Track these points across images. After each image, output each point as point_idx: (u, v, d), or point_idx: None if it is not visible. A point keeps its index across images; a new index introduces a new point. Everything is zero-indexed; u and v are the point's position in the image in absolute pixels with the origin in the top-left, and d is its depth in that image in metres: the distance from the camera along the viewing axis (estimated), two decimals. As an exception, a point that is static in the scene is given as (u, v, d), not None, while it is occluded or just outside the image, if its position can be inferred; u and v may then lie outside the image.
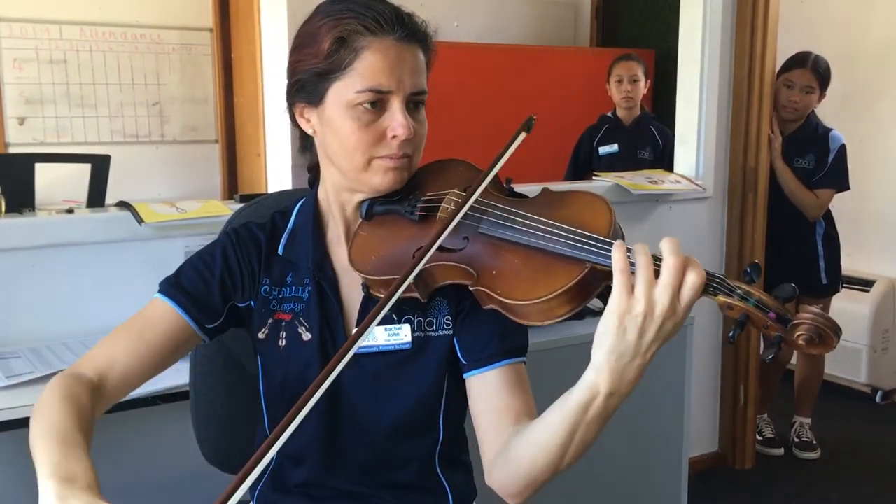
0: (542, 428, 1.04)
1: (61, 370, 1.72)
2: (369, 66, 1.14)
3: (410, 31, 1.17)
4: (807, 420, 3.63)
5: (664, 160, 3.58)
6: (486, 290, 1.07)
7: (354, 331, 1.06)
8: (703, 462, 3.40)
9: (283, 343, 1.25)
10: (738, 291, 0.94)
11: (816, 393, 3.65)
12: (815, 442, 3.58)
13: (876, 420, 4.05)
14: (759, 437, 3.60)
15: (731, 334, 0.96)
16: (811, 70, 3.27)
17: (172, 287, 1.23)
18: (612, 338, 0.94)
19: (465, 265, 1.11)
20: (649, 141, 3.89)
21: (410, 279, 1.06)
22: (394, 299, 1.04)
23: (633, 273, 0.94)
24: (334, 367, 0.99)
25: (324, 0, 1.21)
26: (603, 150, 3.97)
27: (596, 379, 0.97)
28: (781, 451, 3.60)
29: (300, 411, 0.97)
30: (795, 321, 0.93)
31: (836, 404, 4.13)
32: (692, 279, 0.93)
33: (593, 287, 1.02)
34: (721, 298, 0.95)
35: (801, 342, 0.93)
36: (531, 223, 1.08)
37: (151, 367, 1.21)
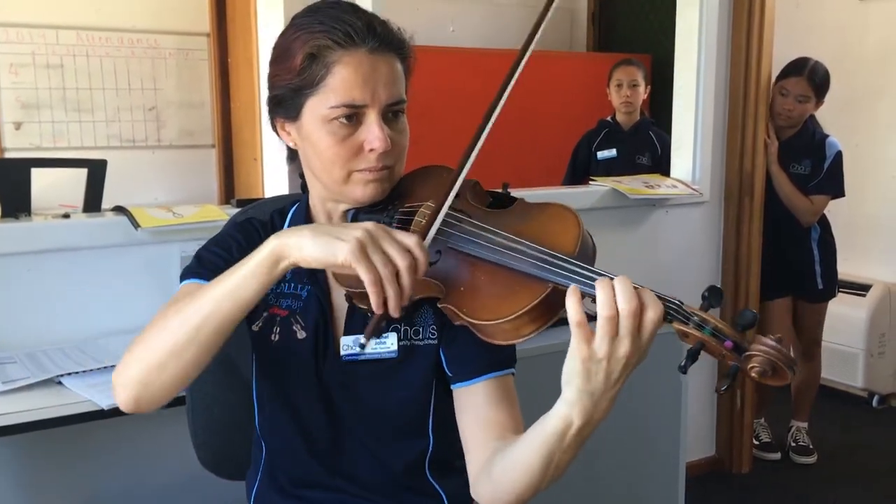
0: (522, 449, 1.05)
1: (58, 376, 1.74)
2: (341, 81, 1.13)
3: (383, 41, 1.16)
4: (804, 424, 3.63)
5: (662, 166, 3.58)
6: (453, 307, 1.07)
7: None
8: (700, 466, 3.40)
9: (275, 338, 1.25)
10: (695, 318, 0.93)
11: (813, 397, 3.65)
12: (811, 446, 3.58)
13: (872, 424, 4.05)
14: (756, 442, 3.60)
15: (681, 364, 0.94)
16: (807, 79, 3.26)
17: (199, 269, 1.21)
18: (580, 380, 0.94)
19: (437, 280, 1.10)
20: (648, 147, 3.89)
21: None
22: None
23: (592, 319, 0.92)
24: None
25: (299, 11, 1.20)
26: (601, 154, 3.96)
27: (569, 412, 0.97)
28: (778, 455, 3.60)
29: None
30: (750, 352, 0.91)
31: (833, 408, 4.13)
32: (650, 316, 0.92)
33: (557, 306, 1.00)
34: (677, 326, 0.93)
35: (753, 374, 0.91)
36: (497, 239, 1.07)
37: None
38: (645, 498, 2.50)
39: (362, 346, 1.05)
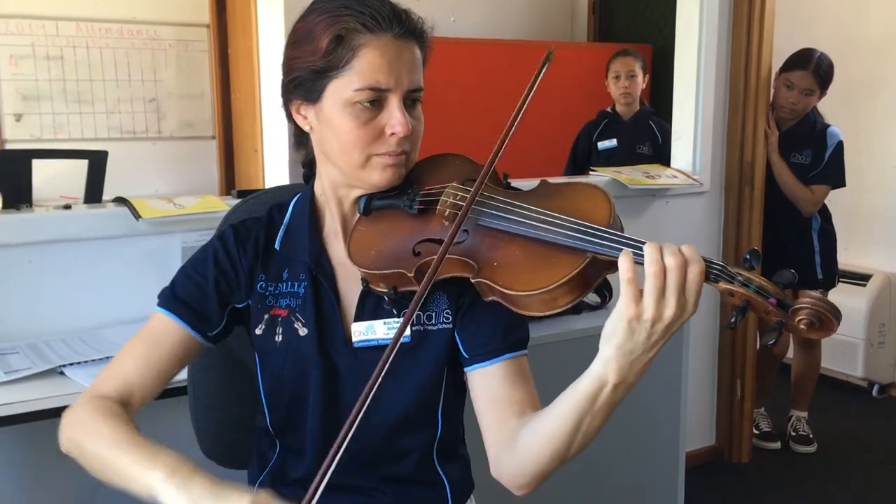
0: (549, 418, 1.06)
1: (59, 366, 1.75)
2: (368, 64, 1.14)
3: (408, 29, 1.17)
4: (803, 414, 3.64)
5: (663, 155, 3.58)
6: (487, 281, 1.07)
7: (389, 342, 1.10)
8: (700, 456, 3.41)
9: (279, 338, 1.25)
10: (739, 278, 0.96)
11: (813, 387, 3.65)
12: (811, 436, 3.59)
13: (872, 414, 4.06)
14: (755, 431, 3.61)
15: (732, 320, 0.97)
16: (812, 73, 3.26)
17: (171, 300, 1.24)
18: (621, 337, 0.96)
19: (466, 258, 1.11)
20: (648, 136, 3.89)
21: (432, 278, 1.07)
22: (421, 299, 1.07)
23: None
24: (375, 381, 1.04)
25: None
26: (602, 145, 3.97)
27: (604, 370, 0.98)
28: (778, 444, 3.61)
29: (346, 436, 1.04)
30: (796, 306, 0.94)
31: (833, 398, 4.14)
32: (693, 271, 0.95)
33: (594, 277, 1.03)
34: (722, 285, 0.96)
35: (802, 326, 0.94)
36: (531, 214, 1.08)
37: (164, 380, 1.25)
38: (645, 487, 2.51)
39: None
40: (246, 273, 1.26)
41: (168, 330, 1.22)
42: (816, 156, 3.34)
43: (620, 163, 3.51)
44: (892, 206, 4.32)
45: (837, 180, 3.36)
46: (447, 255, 1.10)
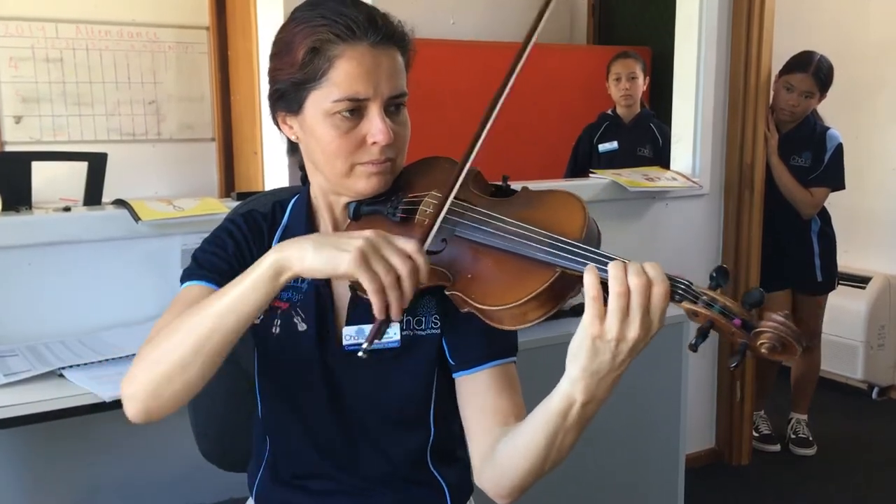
0: (524, 433, 1.06)
1: (59, 368, 1.74)
2: (344, 75, 1.13)
3: (385, 35, 1.16)
4: (803, 416, 3.64)
5: (664, 158, 3.58)
6: (460, 294, 1.08)
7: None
8: (699, 458, 3.41)
9: (276, 331, 1.26)
10: (703, 298, 0.94)
11: (813, 389, 3.66)
12: (811, 438, 3.59)
13: (872, 416, 4.06)
14: (755, 434, 3.61)
15: (692, 342, 0.95)
16: (812, 76, 3.26)
17: (199, 270, 1.21)
18: (585, 358, 0.95)
19: (443, 268, 1.11)
20: (649, 139, 3.89)
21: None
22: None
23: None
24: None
25: (299, 5, 1.20)
26: (603, 147, 3.97)
27: (571, 389, 0.98)
28: (778, 447, 3.61)
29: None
30: (758, 328, 0.92)
31: (833, 400, 4.14)
32: (657, 292, 0.93)
33: (565, 291, 1.02)
34: (686, 305, 0.94)
35: (763, 350, 0.92)
36: (504, 226, 1.08)
37: None
38: (645, 489, 2.51)
39: (364, 351, 1.04)
40: (252, 259, 1.26)
41: (203, 295, 1.16)
42: (816, 158, 3.34)
43: (621, 165, 3.51)
44: (892, 208, 4.33)
45: (837, 183, 3.36)
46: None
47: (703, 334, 0.94)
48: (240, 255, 1.24)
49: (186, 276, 1.22)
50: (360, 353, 1.04)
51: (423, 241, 1.08)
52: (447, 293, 1.10)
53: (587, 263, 0.97)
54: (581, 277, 0.97)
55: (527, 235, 1.05)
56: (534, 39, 1.14)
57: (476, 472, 1.17)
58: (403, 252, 1.01)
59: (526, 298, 1.01)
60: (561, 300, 1.03)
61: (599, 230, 1.10)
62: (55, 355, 1.86)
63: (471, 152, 1.13)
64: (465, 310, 1.08)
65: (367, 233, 1.01)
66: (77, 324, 2.05)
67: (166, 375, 1.06)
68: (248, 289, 1.03)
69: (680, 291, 0.95)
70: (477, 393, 1.19)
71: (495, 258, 1.08)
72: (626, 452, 2.41)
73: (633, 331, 0.93)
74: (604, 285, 0.94)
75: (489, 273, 1.07)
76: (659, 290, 0.93)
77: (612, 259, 0.96)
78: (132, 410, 1.10)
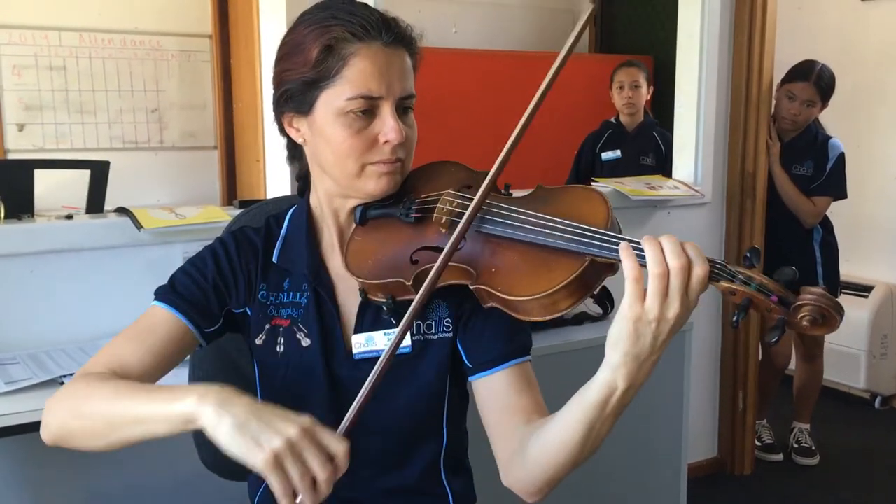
0: (559, 427, 1.05)
1: (60, 376, 1.74)
2: (358, 73, 1.14)
3: (397, 36, 1.17)
4: (806, 426, 3.63)
5: (667, 166, 3.58)
6: (486, 287, 1.07)
7: (387, 341, 1.13)
8: (702, 468, 3.40)
9: (280, 349, 1.25)
10: (740, 276, 0.95)
11: (815, 399, 3.65)
12: (814, 448, 3.58)
13: (875, 426, 4.04)
14: (758, 443, 3.60)
15: (734, 318, 0.96)
16: (814, 84, 3.27)
17: (169, 293, 1.23)
18: (627, 342, 0.96)
19: (464, 264, 1.11)
20: (652, 147, 3.89)
21: (430, 286, 1.07)
22: (421, 307, 1.07)
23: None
24: (377, 381, 1.05)
25: (307, 9, 1.21)
26: (606, 155, 3.97)
27: (613, 376, 0.98)
28: (780, 456, 3.60)
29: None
30: (798, 303, 0.93)
31: (835, 410, 4.13)
32: (697, 273, 0.94)
33: (594, 280, 1.03)
34: (723, 284, 0.95)
35: (805, 323, 0.93)
36: (528, 219, 1.08)
37: (156, 370, 1.20)
38: (647, 499, 2.50)
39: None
40: (245, 279, 1.26)
41: (165, 319, 1.20)
42: (818, 167, 3.34)
43: (624, 174, 3.51)
44: (894, 217, 4.32)
45: (839, 192, 3.36)
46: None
47: (742, 309, 0.95)
48: (221, 278, 1.24)
49: (159, 295, 1.23)
50: None
51: (454, 246, 1.07)
52: (471, 287, 1.10)
53: (617, 249, 0.97)
54: (609, 265, 0.98)
55: (551, 226, 1.05)
56: (570, 46, 1.16)
57: (503, 471, 1.16)
58: (327, 455, 0.96)
59: (557, 287, 1.01)
60: (590, 289, 1.04)
61: (619, 224, 1.10)
62: (56, 363, 1.86)
63: (508, 155, 1.13)
64: (489, 304, 1.08)
65: (292, 431, 0.95)
66: (78, 332, 2.05)
67: (76, 432, 1.09)
68: (159, 415, 1.02)
69: (717, 270, 0.96)
70: (498, 393, 1.18)
71: (520, 251, 1.08)
72: (629, 461, 2.41)
73: (674, 310, 0.94)
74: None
75: (515, 265, 1.07)
76: (699, 271, 0.94)
77: (647, 240, 0.97)
78: (44, 435, 1.13)
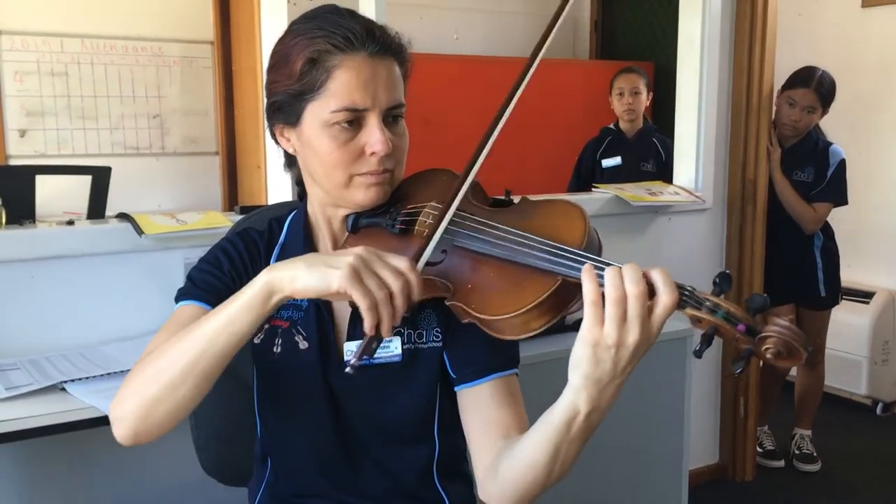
0: (527, 446, 1.05)
1: (61, 382, 1.74)
2: (342, 85, 1.13)
3: (383, 46, 1.16)
4: (807, 432, 3.62)
5: (667, 172, 3.58)
6: (461, 304, 1.07)
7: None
8: (703, 474, 3.39)
9: (277, 350, 1.25)
10: (707, 304, 0.93)
11: (817, 405, 3.64)
12: (815, 454, 3.57)
13: (876, 432, 4.04)
14: (759, 449, 3.59)
15: (696, 349, 0.94)
16: (814, 91, 3.27)
17: (191, 290, 1.22)
18: (587, 366, 0.94)
19: (443, 279, 1.10)
20: (652, 153, 3.89)
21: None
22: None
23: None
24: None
25: (297, 18, 1.20)
26: (606, 162, 3.96)
27: (574, 399, 0.97)
28: (782, 463, 3.59)
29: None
30: (763, 333, 0.91)
31: (837, 416, 4.12)
32: (664, 301, 0.92)
33: (567, 299, 1.01)
34: (689, 311, 0.93)
35: (768, 355, 0.91)
36: (504, 235, 1.08)
37: None
38: (648, 505, 2.50)
39: (352, 367, 1.03)
40: (251, 277, 1.26)
41: (194, 314, 1.16)
42: (819, 173, 3.34)
43: (625, 180, 3.50)
44: (895, 223, 4.32)
45: (840, 198, 3.36)
46: (426, 276, 1.09)
47: (707, 340, 0.93)
48: (235, 273, 1.24)
49: (181, 296, 1.22)
50: (347, 370, 1.04)
51: (419, 254, 1.07)
52: (447, 303, 1.09)
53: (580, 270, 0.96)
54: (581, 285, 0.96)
55: (526, 243, 1.04)
56: (540, 55, 1.15)
57: (479, 485, 1.16)
58: (395, 269, 1.00)
59: (528, 307, 1.00)
60: (563, 309, 1.02)
61: (600, 240, 1.09)
62: (57, 369, 1.86)
63: (473, 164, 1.12)
64: (466, 320, 1.07)
65: (358, 250, 1.01)
66: (79, 337, 2.05)
67: (156, 397, 1.05)
68: (240, 310, 1.02)
69: (684, 297, 0.94)
70: (478, 406, 1.18)
71: (496, 268, 1.07)
72: (629, 468, 2.40)
73: (633, 336, 0.92)
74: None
75: (490, 283, 1.07)
76: (666, 299, 0.92)
77: (610, 265, 0.95)
78: (120, 432, 1.10)
